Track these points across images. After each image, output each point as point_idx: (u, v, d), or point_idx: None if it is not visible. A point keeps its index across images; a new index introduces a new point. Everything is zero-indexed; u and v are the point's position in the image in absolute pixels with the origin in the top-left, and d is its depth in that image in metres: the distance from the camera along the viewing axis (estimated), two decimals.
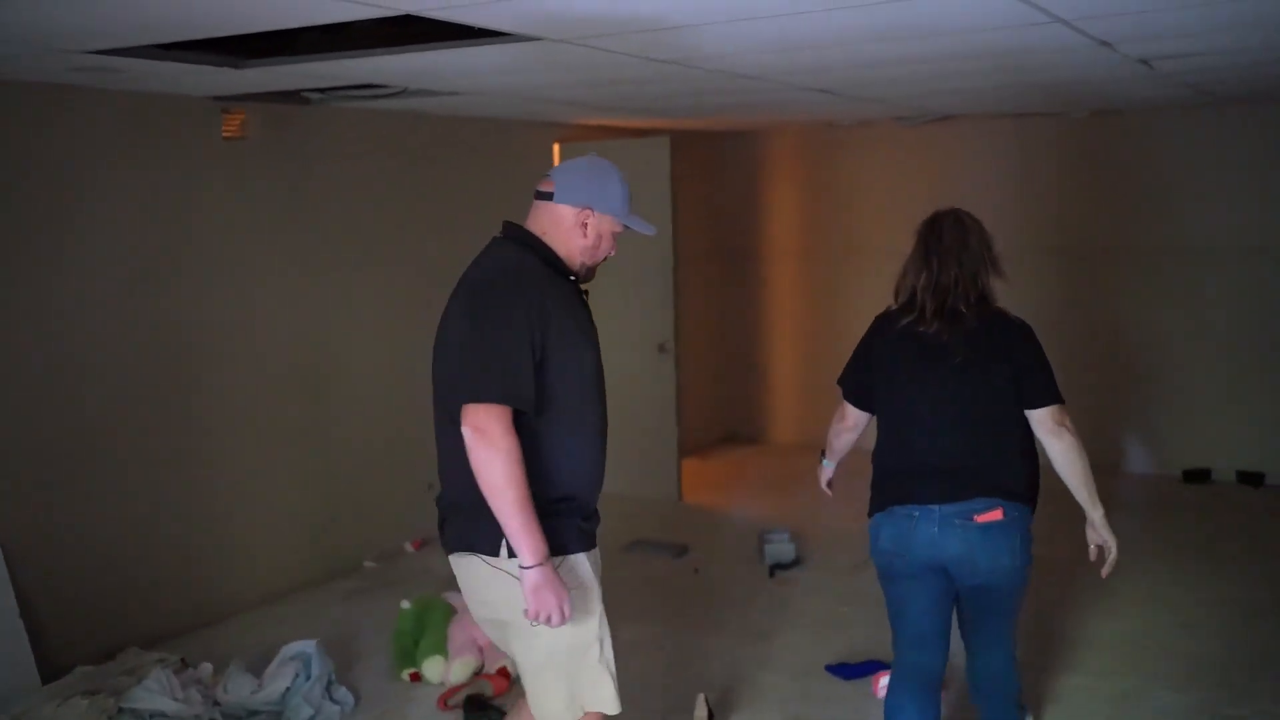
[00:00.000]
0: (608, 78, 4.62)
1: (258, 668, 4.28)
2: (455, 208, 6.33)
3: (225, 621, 5.12)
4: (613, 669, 2.80)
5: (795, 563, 5.75)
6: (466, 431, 2.56)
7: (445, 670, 4.39)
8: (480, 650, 4.45)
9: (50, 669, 4.35)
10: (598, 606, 2.77)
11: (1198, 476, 7.27)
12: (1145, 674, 4.34)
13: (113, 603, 4.72)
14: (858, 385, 3.39)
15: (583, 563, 2.76)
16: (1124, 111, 7.21)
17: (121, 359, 4.76)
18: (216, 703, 4.09)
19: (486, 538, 2.66)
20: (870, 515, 3.27)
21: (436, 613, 4.65)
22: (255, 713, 4.08)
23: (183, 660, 4.36)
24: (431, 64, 4.12)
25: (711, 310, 8.68)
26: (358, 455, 5.87)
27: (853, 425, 3.46)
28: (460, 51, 3.82)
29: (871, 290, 7.88)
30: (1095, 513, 3.21)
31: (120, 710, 3.93)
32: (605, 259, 2.88)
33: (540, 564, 2.56)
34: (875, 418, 3.37)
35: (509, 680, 4.33)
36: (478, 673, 4.41)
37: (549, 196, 2.80)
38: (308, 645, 4.24)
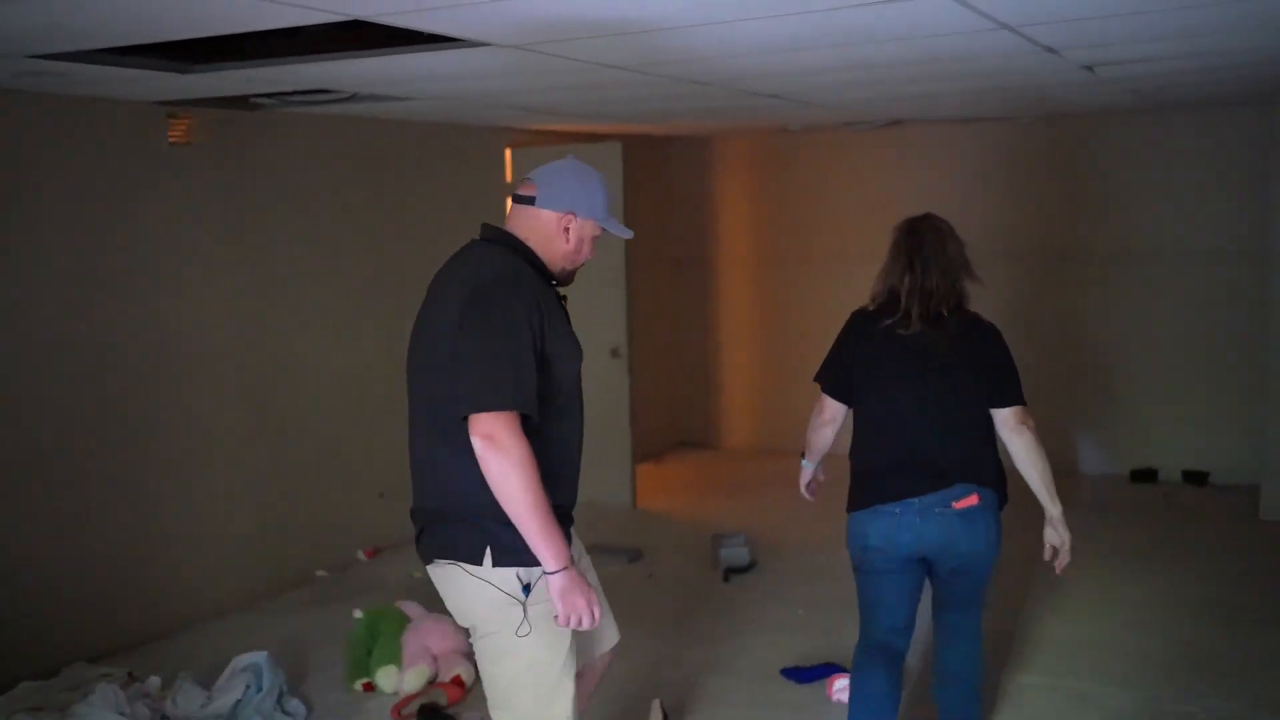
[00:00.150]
0: (558, 83, 4.62)
1: (208, 680, 4.23)
2: (407, 213, 6.30)
3: (174, 634, 5.05)
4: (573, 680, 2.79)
5: (750, 567, 5.77)
6: (477, 441, 2.48)
7: (399, 680, 4.36)
8: (434, 659, 4.43)
9: None
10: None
11: (1145, 476, 7.39)
12: (1095, 672, 4.40)
13: (57, 616, 4.64)
14: (837, 379, 3.48)
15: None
16: (1072, 117, 7.31)
17: (64, 368, 4.68)
18: (165, 717, 4.02)
19: (469, 547, 2.63)
20: (849, 511, 3.39)
21: (390, 622, 4.61)
22: None
23: (130, 674, 4.30)
24: (381, 69, 4.10)
25: (665, 315, 8.69)
26: (309, 464, 5.81)
27: (831, 418, 3.53)
28: (410, 57, 3.79)
29: (824, 295, 8.01)
30: (1055, 509, 3.40)
31: None
32: (584, 263, 2.86)
33: (566, 567, 2.55)
34: (853, 416, 3.48)
35: (463, 689, 4.31)
36: (431, 682, 4.38)
37: (530, 200, 2.76)
38: (259, 657, 4.19)
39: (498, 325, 2.55)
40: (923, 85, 5.16)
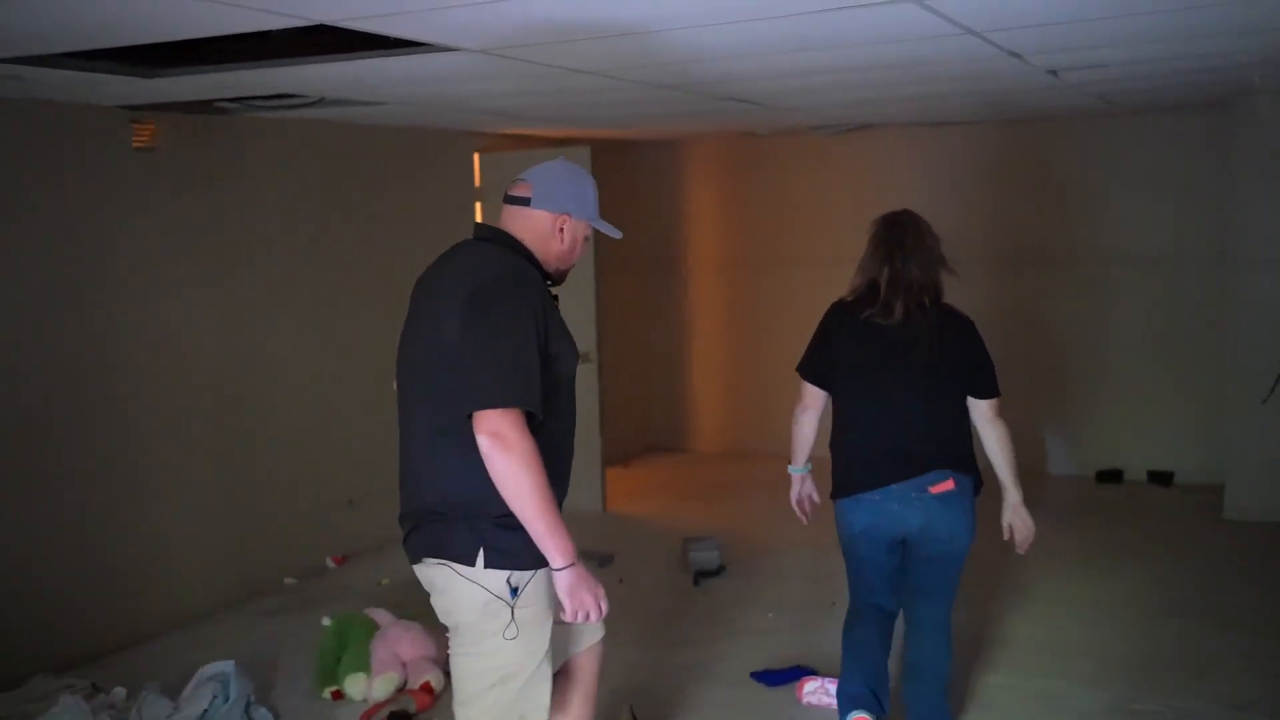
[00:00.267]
0: (526, 88, 4.61)
1: (174, 690, 4.17)
2: (375, 218, 6.27)
3: (140, 644, 4.99)
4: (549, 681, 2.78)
5: (720, 570, 5.78)
6: (483, 439, 2.47)
7: (368, 687, 4.33)
8: (403, 666, 4.41)
9: None
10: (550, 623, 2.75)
11: (1111, 477, 7.46)
12: (1060, 672, 4.43)
13: (20, 627, 4.57)
14: (816, 368, 3.61)
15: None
16: (1037, 121, 7.38)
17: (26, 376, 4.62)
18: None
19: (462, 547, 2.61)
20: (833, 498, 3.57)
21: (358, 629, 4.59)
22: None
23: (94, 685, 4.25)
24: (348, 74, 4.08)
25: (634, 319, 8.69)
26: (277, 470, 5.76)
27: (811, 404, 3.64)
28: (378, 62, 3.78)
29: (793, 297, 8.04)
30: (1017, 494, 3.60)
31: None
32: (575, 263, 2.89)
33: (573, 564, 2.57)
34: (833, 405, 3.61)
35: (433, 695, 4.28)
36: (401, 689, 4.36)
37: (525, 202, 2.76)
38: (226, 666, 4.15)
39: (503, 322, 2.55)
40: (889, 90, 5.19)
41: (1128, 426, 7.48)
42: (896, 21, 3.36)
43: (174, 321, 5.22)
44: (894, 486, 3.41)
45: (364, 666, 4.39)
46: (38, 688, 4.26)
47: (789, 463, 3.81)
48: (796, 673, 4.41)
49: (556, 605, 2.69)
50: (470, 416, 2.49)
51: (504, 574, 2.61)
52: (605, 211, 2.92)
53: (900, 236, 3.50)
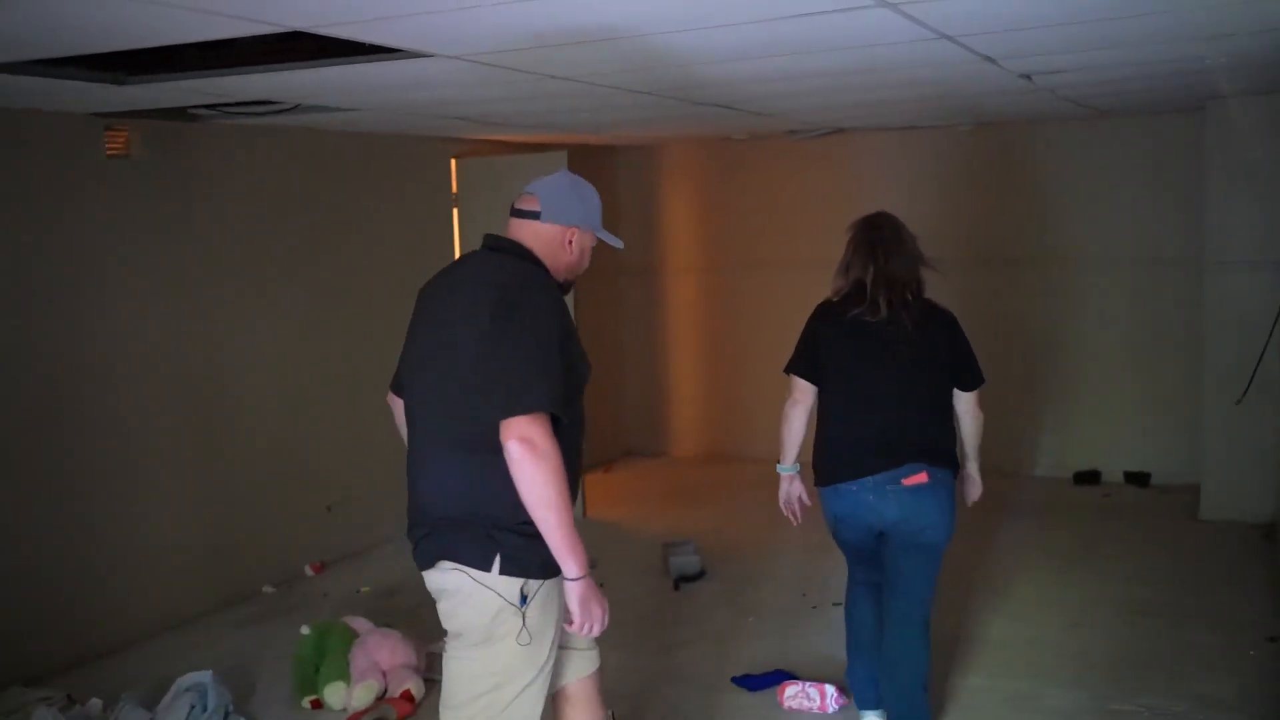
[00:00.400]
0: (501, 94, 4.60)
1: (151, 701, 4.15)
2: (351, 224, 6.25)
3: (116, 654, 4.95)
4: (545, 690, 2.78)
5: (700, 575, 5.78)
6: (513, 445, 2.47)
7: (347, 696, 4.31)
8: (383, 674, 4.39)
9: None
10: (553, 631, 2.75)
11: (1088, 478, 7.50)
12: (1038, 673, 4.45)
13: None
14: (806, 364, 3.69)
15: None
16: (1011, 124, 7.42)
17: None
18: None
19: (478, 552, 2.61)
20: (817, 485, 3.68)
21: (337, 637, 4.56)
22: None
23: (69, 697, 4.22)
24: (324, 80, 4.06)
25: (611, 324, 8.69)
26: (254, 477, 5.73)
27: (801, 398, 3.71)
28: (354, 68, 3.77)
29: (771, 302, 8.06)
30: (974, 465, 3.86)
31: None
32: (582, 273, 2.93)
33: (585, 575, 2.61)
34: (818, 399, 3.69)
35: (413, 704, 4.27)
36: (381, 697, 4.34)
37: (534, 215, 2.78)
38: (203, 676, 4.13)
39: (530, 328, 2.58)
40: (864, 94, 5.21)
41: (1105, 428, 7.52)
42: (871, 27, 3.37)
43: (149, 329, 5.19)
44: (869, 478, 3.51)
45: (343, 675, 4.37)
46: (11, 700, 4.22)
47: (777, 462, 3.84)
48: (778, 676, 4.41)
49: (564, 616, 2.70)
50: (498, 423, 2.50)
51: (518, 581, 2.62)
52: None
53: (881, 236, 3.60)
